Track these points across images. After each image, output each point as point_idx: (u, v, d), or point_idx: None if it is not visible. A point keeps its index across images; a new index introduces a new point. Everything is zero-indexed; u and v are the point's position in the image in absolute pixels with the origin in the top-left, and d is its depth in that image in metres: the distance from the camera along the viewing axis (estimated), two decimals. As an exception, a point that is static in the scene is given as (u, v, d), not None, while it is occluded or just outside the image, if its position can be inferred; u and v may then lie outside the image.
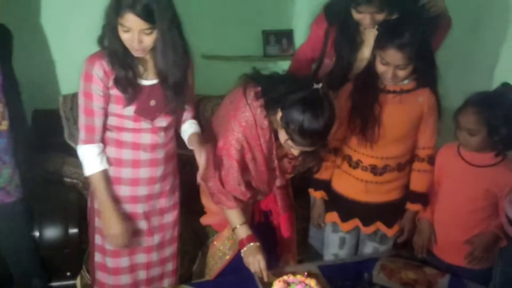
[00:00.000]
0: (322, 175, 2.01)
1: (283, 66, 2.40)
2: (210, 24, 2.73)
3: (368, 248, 2.06)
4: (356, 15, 1.89)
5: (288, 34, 2.87)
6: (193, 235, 2.28)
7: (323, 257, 2.14)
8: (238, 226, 1.77)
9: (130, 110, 1.69)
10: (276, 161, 1.77)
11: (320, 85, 1.57)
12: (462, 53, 2.51)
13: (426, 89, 1.87)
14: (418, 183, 1.95)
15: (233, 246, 1.90)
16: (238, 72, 2.82)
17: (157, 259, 1.90)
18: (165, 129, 1.80)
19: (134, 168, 1.77)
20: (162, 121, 1.77)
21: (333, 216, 2.04)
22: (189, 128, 1.87)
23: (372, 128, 1.86)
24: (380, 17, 1.86)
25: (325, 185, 2.02)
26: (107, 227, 1.75)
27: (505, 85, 1.82)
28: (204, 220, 2.03)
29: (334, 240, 2.07)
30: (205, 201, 1.98)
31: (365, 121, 1.87)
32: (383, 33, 1.80)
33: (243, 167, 1.74)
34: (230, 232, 1.88)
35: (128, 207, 1.81)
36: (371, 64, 1.86)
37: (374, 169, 1.93)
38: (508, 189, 1.79)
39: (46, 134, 2.38)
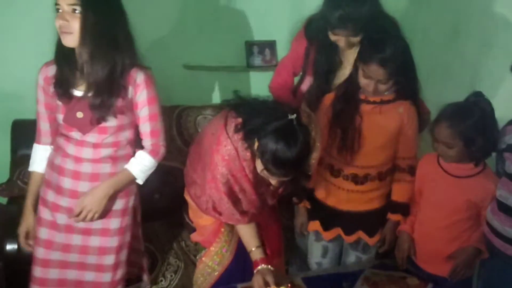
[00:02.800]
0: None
1: (266, 77, 2.40)
2: (193, 34, 2.73)
3: (351, 258, 2.07)
4: (332, 37, 1.91)
5: (271, 45, 2.87)
6: (175, 247, 2.26)
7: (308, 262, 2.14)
8: (253, 249, 1.79)
9: (60, 117, 1.72)
10: (263, 189, 1.78)
11: (295, 115, 1.58)
12: (441, 63, 2.55)
13: (406, 100, 1.89)
14: (398, 193, 1.97)
15: (221, 261, 1.90)
16: (220, 82, 2.87)
17: (72, 278, 1.79)
18: (96, 145, 1.73)
19: (60, 175, 1.74)
20: (93, 137, 1.72)
21: (315, 225, 2.05)
22: (131, 162, 1.78)
23: (352, 138, 1.87)
24: (355, 40, 1.89)
25: (308, 194, 2.03)
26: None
27: (476, 93, 1.81)
28: (193, 237, 2.04)
29: (317, 248, 2.08)
30: (193, 217, 1.98)
31: (345, 131, 1.88)
32: (367, 46, 1.82)
33: (234, 199, 1.75)
34: (218, 247, 1.89)
35: (50, 215, 1.76)
36: (352, 75, 1.88)
37: (355, 178, 1.94)
38: (489, 199, 1.79)
39: (25, 146, 2.33)
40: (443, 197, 1.88)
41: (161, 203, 2.49)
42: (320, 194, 2.03)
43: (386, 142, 1.91)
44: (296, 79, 2.22)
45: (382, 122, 1.88)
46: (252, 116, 1.66)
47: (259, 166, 1.64)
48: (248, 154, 1.67)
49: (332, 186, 1.98)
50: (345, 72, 2.00)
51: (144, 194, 2.43)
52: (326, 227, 2.03)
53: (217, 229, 1.92)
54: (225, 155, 1.68)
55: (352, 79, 1.89)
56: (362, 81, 1.82)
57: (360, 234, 2.01)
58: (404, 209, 1.97)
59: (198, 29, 2.74)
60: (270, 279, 1.71)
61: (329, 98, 1.95)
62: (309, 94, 2.08)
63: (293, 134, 1.56)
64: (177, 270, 2.20)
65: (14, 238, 1.94)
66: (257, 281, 1.73)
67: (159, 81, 2.64)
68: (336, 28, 1.86)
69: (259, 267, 1.75)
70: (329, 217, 2.02)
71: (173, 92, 2.70)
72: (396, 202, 1.97)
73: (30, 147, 2.30)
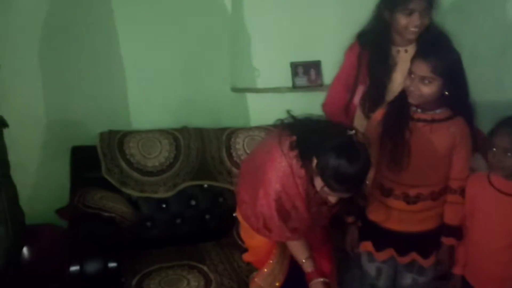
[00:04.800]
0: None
1: (311, 97, 2.43)
2: (240, 57, 2.79)
3: (407, 280, 2.02)
4: (403, 20, 1.94)
5: (316, 65, 2.90)
6: (228, 268, 2.30)
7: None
8: (304, 261, 1.80)
9: None
10: (315, 208, 1.78)
11: (354, 131, 1.60)
12: (492, 79, 2.50)
13: (459, 119, 1.86)
14: (451, 215, 1.91)
15: (273, 282, 1.92)
16: (267, 103, 2.91)
17: None
18: None
19: None
20: None
21: (367, 245, 2.03)
22: None
23: (401, 155, 1.85)
24: (426, 20, 1.92)
25: (358, 212, 1.99)
26: None
27: None
28: (245, 257, 2.06)
29: (371, 269, 2.05)
30: (245, 237, 2.00)
31: (395, 147, 1.86)
32: (417, 48, 1.84)
33: (285, 216, 1.76)
34: (270, 269, 1.91)
35: None
36: (404, 91, 1.87)
37: (406, 198, 1.90)
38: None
39: (85, 170, 2.46)
40: (497, 218, 1.82)
41: (212, 224, 2.55)
42: (371, 214, 2.00)
43: (437, 161, 1.88)
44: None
45: (433, 141, 1.85)
46: (306, 134, 1.68)
47: (319, 183, 1.64)
48: (303, 171, 1.67)
49: (383, 206, 1.95)
50: (397, 77, 2.02)
51: (195, 215, 2.54)
52: (378, 248, 2.00)
53: (269, 250, 1.93)
54: (279, 172, 1.69)
55: (403, 96, 1.87)
56: (406, 81, 1.81)
57: (414, 255, 1.97)
58: (458, 232, 1.92)
59: (245, 52, 2.81)
60: None
61: (379, 114, 1.95)
62: (365, 98, 2.09)
63: (354, 149, 1.58)
64: (230, 291, 2.24)
65: (77, 260, 2.02)
66: None
67: (208, 104, 2.77)
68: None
69: (313, 282, 1.75)
70: (381, 237, 1.99)
71: (221, 115, 2.78)
72: (449, 225, 1.92)
73: (89, 171, 2.47)
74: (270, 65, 2.87)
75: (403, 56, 2.03)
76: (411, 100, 1.83)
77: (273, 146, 1.72)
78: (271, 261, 1.92)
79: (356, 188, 1.63)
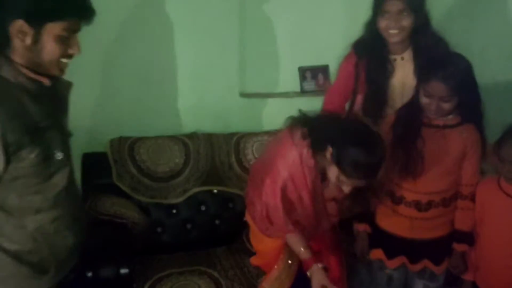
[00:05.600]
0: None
1: (320, 101, 2.43)
2: (248, 62, 2.81)
3: (418, 286, 2.03)
4: (382, 22, 1.99)
5: (324, 70, 2.91)
6: (238, 273, 2.31)
7: None
8: (302, 249, 1.80)
9: None
10: (321, 204, 1.79)
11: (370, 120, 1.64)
12: (502, 83, 2.49)
13: (470, 124, 1.86)
14: (462, 221, 1.91)
15: (281, 286, 1.92)
16: (276, 108, 2.92)
17: None
18: None
19: None
20: None
21: (378, 253, 2.02)
22: None
23: (415, 162, 1.84)
24: (406, 21, 1.96)
25: (368, 218, 2.02)
26: None
27: None
28: (253, 261, 2.06)
29: (381, 277, 2.05)
30: (253, 241, 2.01)
31: (407, 155, 1.85)
32: (426, 66, 1.82)
33: (289, 207, 1.77)
34: (277, 273, 1.91)
35: None
36: (414, 98, 1.87)
37: (418, 205, 1.90)
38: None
39: (96, 176, 2.48)
40: (508, 223, 1.81)
41: (222, 229, 2.56)
42: (381, 221, 2.00)
43: (450, 167, 1.87)
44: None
45: (446, 147, 1.85)
46: (319, 125, 1.71)
47: (333, 172, 1.65)
48: (312, 161, 1.68)
49: (394, 214, 1.95)
50: (395, 83, 2.07)
51: (205, 221, 2.55)
52: (390, 256, 2.00)
53: (277, 255, 1.94)
54: (289, 160, 1.70)
55: (413, 103, 1.88)
56: (424, 100, 1.81)
57: (426, 263, 1.97)
58: (469, 238, 1.92)
59: (254, 57, 2.82)
60: (325, 281, 1.71)
61: (388, 122, 1.95)
62: (365, 104, 2.11)
63: (373, 137, 1.62)
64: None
65: (90, 266, 2.02)
66: (316, 279, 1.72)
67: (217, 109, 2.78)
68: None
69: (313, 269, 1.75)
70: (392, 245, 1.99)
71: (230, 120, 2.79)
72: (460, 231, 1.92)
73: (99, 178, 2.49)
74: (278, 70, 2.88)
75: (400, 63, 2.08)
76: (431, 115, 1.83)
77: (284, 136, 1.74)
78: (277, 266, 1.92)
79: (374, 175, 1.64)
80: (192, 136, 2.61)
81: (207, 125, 2.71)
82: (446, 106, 1.79)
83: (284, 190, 1.72)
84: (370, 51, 2.08)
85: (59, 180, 1.45)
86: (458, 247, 1.93)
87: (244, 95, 2.82)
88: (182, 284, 2.21)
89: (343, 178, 1.63)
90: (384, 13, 1.99)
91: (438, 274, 1.99)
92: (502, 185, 1.85)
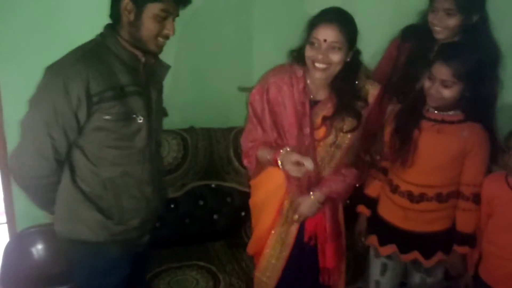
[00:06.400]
0: (369, 190, 2.04)
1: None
2: (246, 56, 2.79)
3: (416, 279, 2.02)
4: (430, 16, 1.97)
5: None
6: (236, 268, 2.31)
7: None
8: (268, 157, 1.83)
9: None
10: (308, 129, 1.80)
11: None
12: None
13: (475, 124, 1.82)
14: (464, 223, 1.88)
15: (272, 273, 1.94)
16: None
17: None
18: None
19: None
20: None
21: (373, 239, 2.04)
22: None
23: (407, 152, 1.85)
24: (452, 21, 1.92)
25: (369, 201, 2.03)
26: None
27: None
28: (248, 249, 2.08)
29: (376, 265, 2.06)
30: (253, 221, 2.04)
31: (402, 143, 1.86)
32: (438, 51, 1.83)
33: (274, 112, 1.84)
34: (266, 258, 1.93)
35: None
36: (421, 89, 1.86)
37: (410, 196, 1.90)
38: None
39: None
40: None
41: (221, 224, 2.55)
42: (380, 208, 2.02)
43: (445, 163, 1.85)
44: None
45: (441, 143, 1.83)
46: None
47: (309, 43, 1.74)
48: (301, 71, 1.80)
49: (390, 202, 1.97)
50: None
51: (203, 215, 2.54)
52: (382, 242, 2.01)
53: (266, 236, 1.94)
54: (278, 67, 1.88)
55: (419, 93, 1.87)
56: (426, 84, 1.80)
57: (416, 254, 1.95)
58: (471, 240, 1.89)
59: (252, 51, 2.80)
60: (294, 156, 1.73)
61: (394, 109, 1.97)
62: (397, 82, 2.11)
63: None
64: (239, 291, 2.24)
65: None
66: (290, 169, 1.74)
67: (216, 103, 2.76)
68: None
69: (279, 158, 1.77)
70: (386, 232, 2.00)
71: (229, 114, 2.77)
72: (462, 233, 1.89)
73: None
74: (277, 63, 2.86)
75: None
76: (431, 102, 1.82)
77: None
78: (266, 250, 1.94)
79: (340, 20, 1.71)
80: (190, 130, 2.60)
81: (206, 119, 2.69)
82: (446, 92, 1.76)
83: (269, 92, 1.84)
84: (416, 36, 2.08)
85: (137, 141, 1.63)
86: (459, 249, 1.90)
87: (242, 89, 2.81)
88: (180, 279, 2.21)
89: (314, 34, 1.73)
90: (433, 8, 1.97)
91: (432, 268, 1.97)
92: (510, 181, 1.82)
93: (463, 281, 1.98)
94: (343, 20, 1.72)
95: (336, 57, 1.72)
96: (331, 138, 1.81)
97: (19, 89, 2.29)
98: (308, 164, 1.70)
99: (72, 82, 1.49)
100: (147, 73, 1.67)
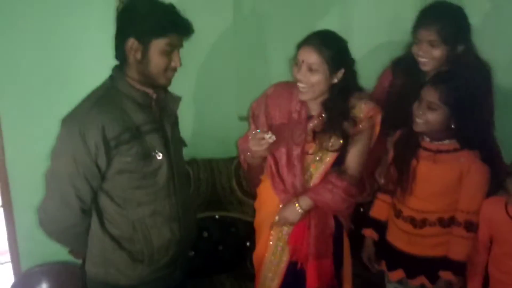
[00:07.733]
0: (376, 212, 2.04)
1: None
2: (246, 86, 2.81)
3: None
4: (414, 47, 1.98)
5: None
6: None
7: None
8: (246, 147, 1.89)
9: None
10: (301, 138, 1.83)
11: None
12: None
13: (469, 152, 1.83)
14: (454, 249, 1.86)
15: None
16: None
17: None
18: None
19: None
20: None
21: (382, 264, 2.05)
22: None
23: (406, 180, 1.88)
24: (436, 52, 1.92)
25: (376, 224, 2.03)
26: None
27: None
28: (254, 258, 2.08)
29: None
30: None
31: (401, 172, 1.90)
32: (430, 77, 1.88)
33: (269, 112, 1.91)
34: (262, 278, 1.96)
35: None
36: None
37: (413, 221, 1.91)
38: None
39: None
40: None
41: (226, 255, 2.54)
42: (388, 233, 2.03)
43: (442, 191, 1.86)
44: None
45: (438, 172, 1.86)
46: None
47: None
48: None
49: (395, 227, 1.98)
50: None
51: (208, 247, 2.51)
52: (390, 268, 2.02)
53: (262, 256, 1.96)
54: (284, 81, 1.95)
55: None
56: (414, 105, 1.83)
57: (423, 279, 1.94)
58: (459, 268, 1.85)
59: (251, 80, 2.83)
60: (259, 135, 1.77)
61: (395, 137, 1.99)
62: (389, 116, 2.08)
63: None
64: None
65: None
66: (253, 144, 1.79)
67: (216, 134, 2.77)
68: (419, 28, 1.94)
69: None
70: (393, 257, 2.00)
71: (230, 144, 2.78)
72: (450, 259, 1.86)
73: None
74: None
75: None
76: (415, 127, 1.83)
77: None
78: (262, 271, 1.96)
79: (320, 43, 1.76)
80: (192, 162, 2.60)
81: (207, 150, 2.70)
82: (432, 116, 1.77)
83: (268, 96, 1.95)
84: (405, 70, 2.08)
85: (159, 178, 1.64)
86: (443, 274, 1.87)
87: (243, 118, 2.82)
88: (186, 313, 2.17)
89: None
90: (417, 40, 1.98)
91: None
92: (510, 210, 1.81)
93: None
94: (322, 43, 1.76)
95: (314, 78, 1.77)
96: (316, 153, 1.86)
97: (21, 127, 2.33)
98: (268, 136, 1.73)
99: (88, 130, 1.51)
100: (160, 108, 1.69)
